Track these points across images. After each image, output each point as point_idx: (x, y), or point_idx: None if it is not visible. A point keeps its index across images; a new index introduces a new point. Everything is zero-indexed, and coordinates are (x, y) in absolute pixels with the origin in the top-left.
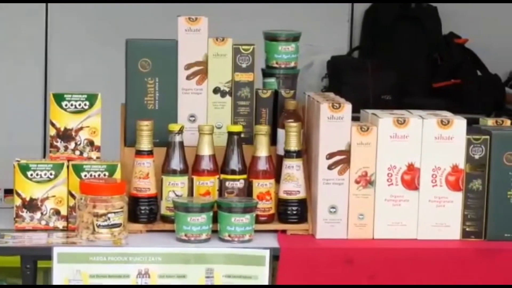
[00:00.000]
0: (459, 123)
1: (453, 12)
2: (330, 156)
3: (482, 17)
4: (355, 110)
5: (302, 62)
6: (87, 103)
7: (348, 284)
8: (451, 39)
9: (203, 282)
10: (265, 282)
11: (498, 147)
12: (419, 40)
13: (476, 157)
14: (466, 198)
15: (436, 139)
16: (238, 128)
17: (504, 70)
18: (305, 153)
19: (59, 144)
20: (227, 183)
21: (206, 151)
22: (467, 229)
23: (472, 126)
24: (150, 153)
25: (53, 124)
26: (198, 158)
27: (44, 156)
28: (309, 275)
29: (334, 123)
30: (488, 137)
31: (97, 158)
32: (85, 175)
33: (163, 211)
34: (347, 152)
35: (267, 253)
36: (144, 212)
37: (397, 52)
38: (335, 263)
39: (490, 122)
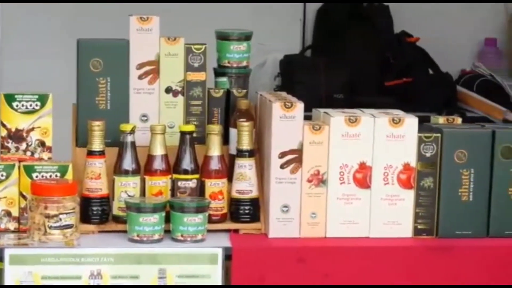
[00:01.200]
0: (411, 121)
1: (405, 11)
2: (282, 155)
3: (433, 16)
4: (308, 109)
5: (255, 61)
6: (38, 103)
7: (302, 283)
8: (402, 38)
9: (155, 282)
10: (218, 281)
11: (449, 145)
12: (371, 39)
13: (428, 155)
14: (418, 196)
15: (387, 138)
16: (190, 127)
17: (455, 68)
18: (258, 152)
19: (10, 145)
20: (179, 183)
21: (158, 151)
22: (419, 226)
23: (424, 124)
24: (101, 153)
25: (4, 125)
26: (150, 158)
27: None
28: (262, 274)
29: (286, 122)
30: (439, 135)
31: (49, 158)
32: (37, 176)
33: (115, 211)
34: (299, 151)
35: (219, 252)
36: (96, 212)
37: (349, 51)
38: (288, 262)
39: (441, 120)
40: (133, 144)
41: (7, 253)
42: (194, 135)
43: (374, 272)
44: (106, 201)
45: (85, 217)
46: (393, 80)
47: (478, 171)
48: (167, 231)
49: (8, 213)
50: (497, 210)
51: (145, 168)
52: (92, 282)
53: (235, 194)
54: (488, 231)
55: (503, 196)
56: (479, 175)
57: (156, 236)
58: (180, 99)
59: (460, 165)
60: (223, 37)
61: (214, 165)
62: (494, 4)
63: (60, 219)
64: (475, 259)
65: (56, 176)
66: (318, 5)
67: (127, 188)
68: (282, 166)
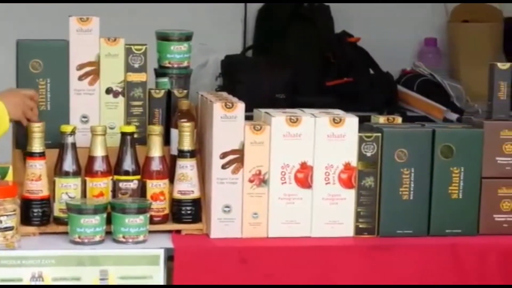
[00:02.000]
0: (351, 121)
1: (346, 11)
2: (223, 155)
3: (374, 16)
4: (250, 109)
5: (196, 62)
6: None
7: (244, 283)
8: (343, 38)
9: (97, 284)
10: (160, 282)
11: (390, 145)
12: (312, 39)
13: (368, 154)
14: (359, 195)
15: (328, 137)
16: (131, 128)
17: (396, 68)
18: (199, 152)
19: None
20: (120, 184)
21: (99, 152)
22: (360, 226)
23: (364, 124)
24: (42, 155)
25: None
26: (91, 159)
27: None
28: (205, 275)
29: (227, 122)
30: (379, 134)
31: None
32: None
33: (56, 213)
34: (240, 151)
35: (161, 253)
36: (37, 214)
37: (290, 51)
38: (230, 262)
39: (382, 119)
40: (73, 145)
41: None
42: (135, 136)
43: (316, 272)
44: (47, 202)
45: (26, 219)
46: (334, 80)
47: (418, 170)
48: (108, 233)
49: None
50: (437, 208)
51: (86, 170)
52: (33, 284)
53: (176, 195)
54: (428, 230)
55: (443, 195)
56: (419, 174)
57: (98, 238)
58: (121, 100)
59: (400, 164)
60: (163, 37)
61: (155, 166)
62: (434, 4)
63: (1, 221)
64: (416, 257)
65: None
66: (259, 5)
67: (68, 189)
68: (223, 167)
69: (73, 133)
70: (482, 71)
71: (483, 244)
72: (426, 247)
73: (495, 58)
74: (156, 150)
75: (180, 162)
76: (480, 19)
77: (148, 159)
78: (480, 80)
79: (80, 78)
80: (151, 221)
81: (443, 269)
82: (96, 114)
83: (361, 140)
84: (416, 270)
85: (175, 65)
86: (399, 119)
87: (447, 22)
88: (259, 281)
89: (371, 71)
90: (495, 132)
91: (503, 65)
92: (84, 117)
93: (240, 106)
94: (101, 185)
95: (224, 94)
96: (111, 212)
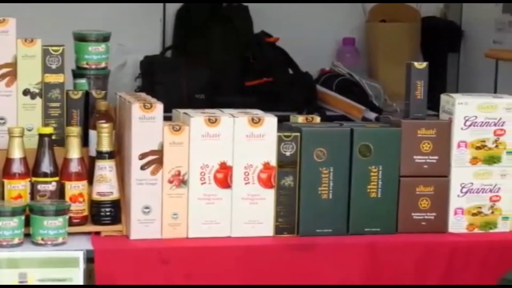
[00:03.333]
0: (270, 121)
1: (264, 11)
2: (142, 156)
3: (293, 16)
4: (169, 109)
5: (115, 62)
6: None
7: (164, 283)
8: (262, 38)
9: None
10: (80, 284)
11: (308, 144)
12: (231, 39)
13: (287, 154)
14: (278, 195)
15: (247, 137)
16: (49, 130)
17: (315, 68)
18: (118, 153)
19: None
20: (39, 186)
21: (16, 154)
22: (280, 225)
23: (283, 124)
24: None
25: None
26: (8, 161)
27: None
28: (126, 276)
29: (146, 123)
30: (298, 134)
31: None
32: None
33: None
34: (159, 152)
35: (81, 255)
36: None
37: (209, 51)
38: (150, 263)
39: (301, 119)
40: None
41: None
42: (53, 137)
43: (236, 272)
44: None
45: None
46: (253, 80)
47: (337, 169)
48: (27, 235)
49: None
50: (356, 207)
51: (3, 172)
52: None
53: (95, 196)
54: (348, 229)
55: (362, 194)
56: (338, 173)
57: (16, 240)
58: (38, 101)
59: (319, 164)
60: (81, 38)
61: (74, 167)
62: (352, 4)
63: None
64: (336, 256)
65: None
66: (178, 5)
67: None
68: (142, 167)
69: None
70: (400, 70)
71: (402, 242)
72: (345, 246)
73: (413, 57)
74: (74, 151)
75: (99, 164)
76: (398, 19)
77: (67, 161)
78: (398, 80)
79: None
80: (70, 223)
81: (362, 268)
82: (13, 115)
83: (280, 140)
84: (336, 269)
85: (93, 66)
86: (317, 119)
87: (365, 22)
88: (179, 281)
89: (290, 71)
90: (413, 131)
91: (419, 65)
92: (1, 118)
93: (159, 106)
94: (19, 187)
95: (143, 94)
96: (29, 214)
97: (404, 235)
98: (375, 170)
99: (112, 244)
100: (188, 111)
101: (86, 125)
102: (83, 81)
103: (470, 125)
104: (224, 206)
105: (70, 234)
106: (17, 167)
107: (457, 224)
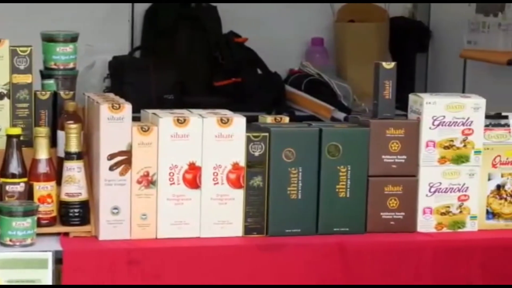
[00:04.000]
0: (239, 121)
1: (233, 11)
2: (111, 157)
3: (261, 16)
4: (138, 110)
5: (84, 63)
6: None
7: (133, 284)
8: (231, 38)
9: None
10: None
11: (277, 144)
12: (200, 39)
13: (256, 154)
14: (247, 195)
15: (216, 138)
16: (17, 130)
17: (284, 68)
18: (86, 154)
19: None
20: (7, 187)
21: None
22: (249, 225)
23: (252, 124)
24: None
25: None
26: None
27: None
28: (94, 277)
29: (114, 123)
30: (267, 134)
31: None
32: None
33: None
34: (128, 153)
35: (49, 256)
36: None
37: (178, 51)
38: (119, 264)
39: (269, 119)
40: None
41: None
42: (21, 138)
43: (206, 272)
44: None
45: None
46: (222, 80)
47: (306, 169)
48: None
49: None
50: (325, 207)
51: None
52: None
53: (64, 197)
54: (317, 229)
55: (331, 194)
56: (307, 173)
57: None
58: (6, 102)
59: (288, 164)
60: (48, 38)
61: (42, 168)
62: (320, 4)
63: None
64: (305, 256)
65: None
66: (146, 5)
67: None
68: (111, 168)
69: None
70: (368, 70)
71: (371, 242)
72: (314, 246)
73: (381, 57)
74: (42, 152)
75: (67, 164)
76: (366, 19)
77: (35, 162)
78: (367, 80)
79: None
80: (39, 224)
81: (331, 268)
82: None
83: (248, 140)
84: (305, 269)
85: (61, 67)
86: (286, 119)
87: (333, 22)
88: (148, 281)
89: (259, 71)
90: (381, 131)
91: (388, 65)
92: None
93: (127, 107)
94: None
95: (111, 95)
96: None
97: (373, 235)
98: (344, 170)
99: (81, 245)
100: (157, 111)
101: (55, 126)
102: (51, 81)
103: (438, 125)
104: (193, 207)
105: (38, 235)
106: None
107: (425, 224)
